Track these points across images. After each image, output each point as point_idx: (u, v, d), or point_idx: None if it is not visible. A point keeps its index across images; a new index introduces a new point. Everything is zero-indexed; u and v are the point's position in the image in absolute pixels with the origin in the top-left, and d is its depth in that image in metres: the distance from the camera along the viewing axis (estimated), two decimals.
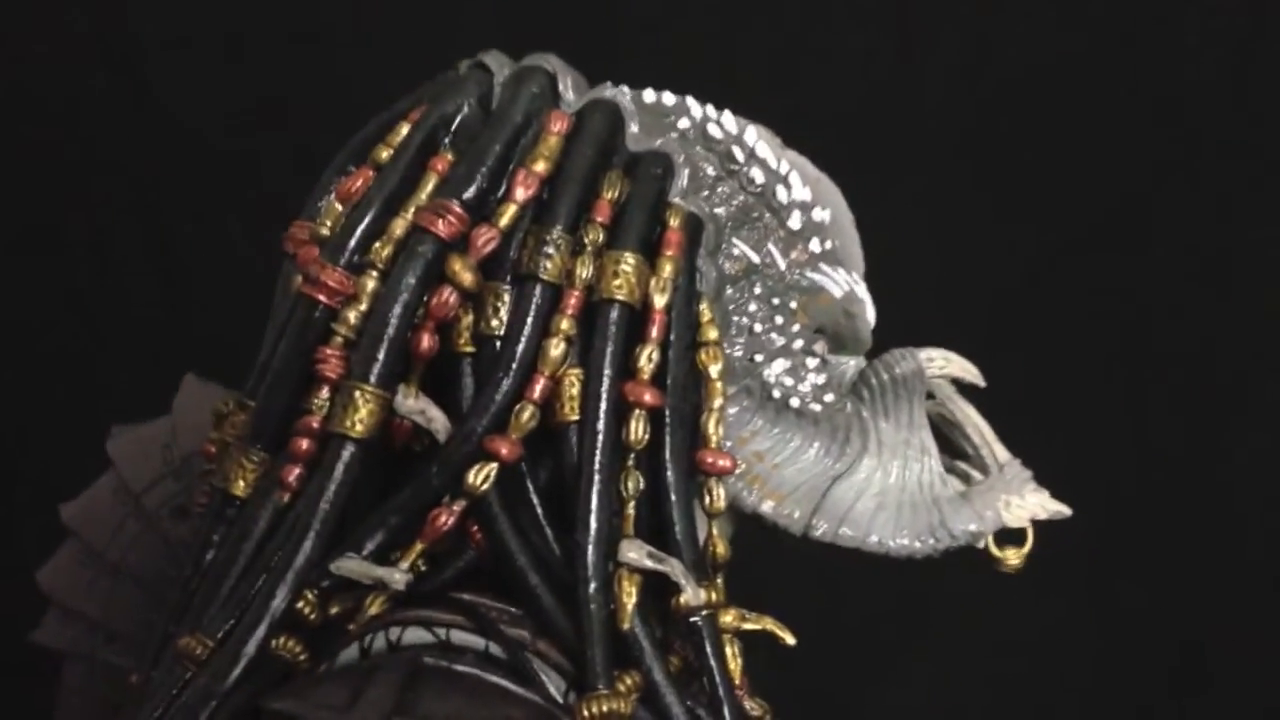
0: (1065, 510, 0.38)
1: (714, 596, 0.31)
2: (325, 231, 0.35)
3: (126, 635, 0.46)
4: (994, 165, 0.73)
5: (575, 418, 0.32)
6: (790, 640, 0.35)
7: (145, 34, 0.74)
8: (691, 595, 0.31)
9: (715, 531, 0.34)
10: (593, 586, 0.31)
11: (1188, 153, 0.76)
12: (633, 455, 0.33)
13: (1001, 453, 0.38)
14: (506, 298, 0.33)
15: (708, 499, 0.34)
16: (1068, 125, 0.76)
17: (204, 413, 0.47)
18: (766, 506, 0.37)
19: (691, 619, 0.31)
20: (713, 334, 0.34)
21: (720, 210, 0.36)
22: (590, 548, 0.31)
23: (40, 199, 0.74)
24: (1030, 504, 0.38)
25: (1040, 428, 0.40)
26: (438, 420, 0.33)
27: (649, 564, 0.31)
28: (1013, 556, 0.38)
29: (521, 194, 0.33)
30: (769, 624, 0.35)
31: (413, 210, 0.34)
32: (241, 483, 0.34)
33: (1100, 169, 0.76)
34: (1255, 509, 0.76)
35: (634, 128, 0.35)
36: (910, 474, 0.38)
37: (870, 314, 0.39)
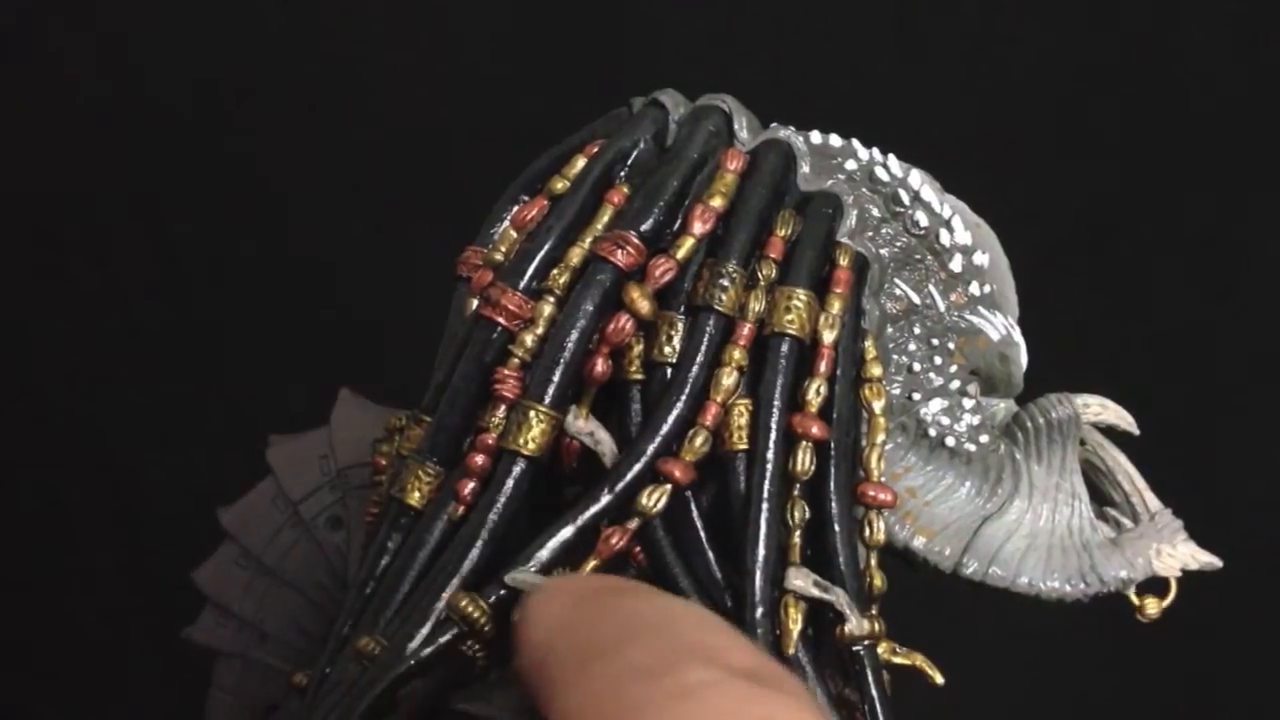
0: (1216, 561, 0.38)
1: (876, 628, 0.31)
2: (499, 257, 0.36)
3: (279, 637, 0.47)
4: (994, 165, 0.72)
5: (743, 447, 0.33)
6: (939, 679, 0.36)
7: (143, 33, 0.76)
8: (856, 625, 0.31)
9: (873, 563, 0.35)
10: (759, 611, 0.32)
11: (1189, 152, 0.75)
12: (798, 486, 0.34)
13: (1153, 501, 0.39)
14: (680, 327, 0.34)
15: (868, 531, 0.34)
16: (1067, 125, 0.75)
17: (359, 426, 0.48)
18: (918, 542, 0.37)
19: (854, 649, 0.31)
20: (876, 370, 0.35)
21: (884, 251, 0.37)
22: (758, 573, 0.32)
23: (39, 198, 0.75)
24: (1181, 554, 0.38)
25: None
26: (605, 443, 0.34)
27: (815, 592, 0.32)
28: (1151, 607, 0.39)
29: (699, 228, 0.34)
30: (919, 660, 0.36)
31: (589, 240, 0.35)
32: (417, 494, 0.35)
33: (1100, 169, 0.76)
34: (1258, 510, 0.75)
35: (805, 168, 0.36)
36: (1060, 518, 0.38)
37: (1024, 358, 0.39)
